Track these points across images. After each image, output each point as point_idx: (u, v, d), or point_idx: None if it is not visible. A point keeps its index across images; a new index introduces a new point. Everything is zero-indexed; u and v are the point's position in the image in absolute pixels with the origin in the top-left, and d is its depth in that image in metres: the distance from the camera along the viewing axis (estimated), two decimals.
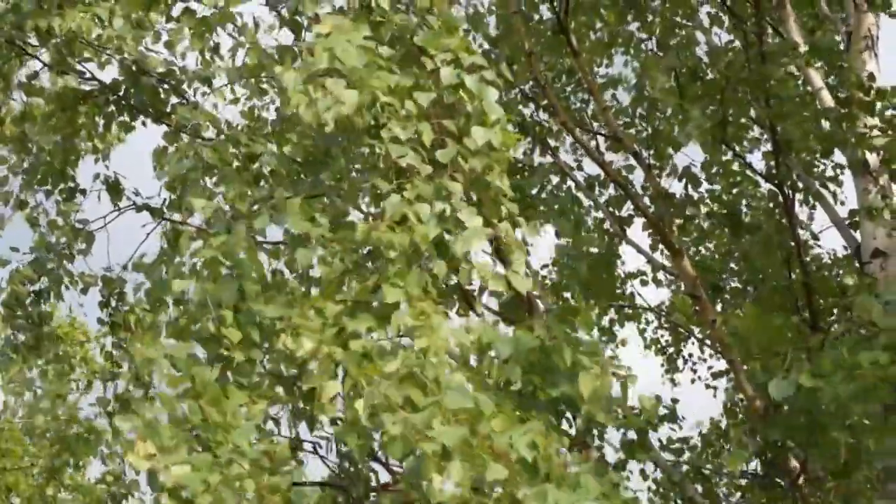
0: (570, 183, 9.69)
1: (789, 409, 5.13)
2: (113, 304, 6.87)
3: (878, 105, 8.69)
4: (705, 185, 9.51)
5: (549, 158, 9.83)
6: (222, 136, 6.98)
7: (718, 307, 9.94)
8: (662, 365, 11.56)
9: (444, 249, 4.71)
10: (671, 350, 11.35)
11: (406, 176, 4.78)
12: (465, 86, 4.90)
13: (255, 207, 5.16)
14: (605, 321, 10.12)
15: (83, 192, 7.42)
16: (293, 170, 5.55)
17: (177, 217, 6.70)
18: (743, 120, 8.68)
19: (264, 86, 6.79)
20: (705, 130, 7.37)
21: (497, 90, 4.95)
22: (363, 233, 4.62)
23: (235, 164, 5.68)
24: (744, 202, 9.57)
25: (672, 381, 11.51)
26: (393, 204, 4.71)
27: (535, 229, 5.00)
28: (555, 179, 9.72)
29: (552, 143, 9.88)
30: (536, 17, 9.36)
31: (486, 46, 9.07)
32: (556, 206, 8.03)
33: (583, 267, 8.61)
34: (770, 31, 9.25)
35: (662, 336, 11.27)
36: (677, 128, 7.63)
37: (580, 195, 9.61)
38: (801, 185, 9.03)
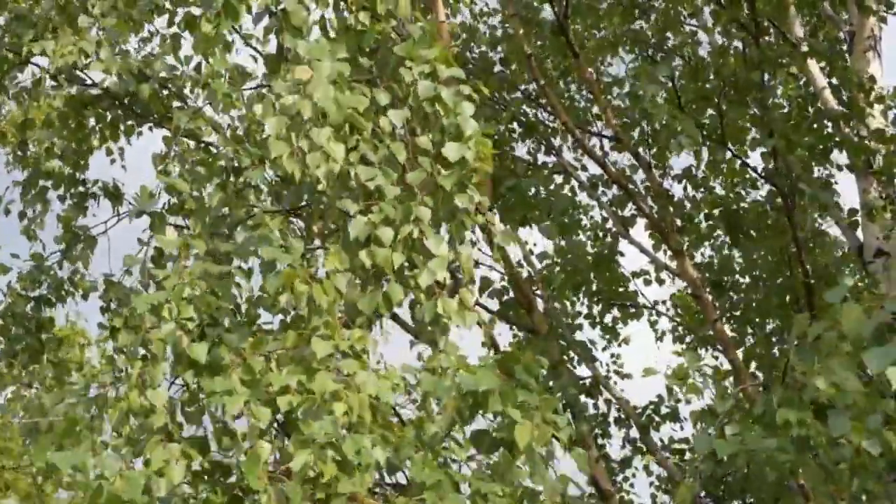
0: (573, 183, 9.72)
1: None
2: (113, 307, 6.91)
3: (881, 107, 8.70)
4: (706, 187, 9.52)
5: (553, 158, 9.88)
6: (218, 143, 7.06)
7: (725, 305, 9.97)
8: (679, 353, 11.46)
9: (403, 275, 4.73)
10: (689, 339, 11.24)
11: (375, 197, 4.80)
12: (441, 99, 4.91)
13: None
14: (609, 319, 10.11)
15: (94, 196, 7.48)
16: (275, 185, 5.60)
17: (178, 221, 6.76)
18: (741, 122, 8.66)
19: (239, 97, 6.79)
20: (696, 141, 7.35)
21: (473, 104, 4.96)
22: (283, 282, 4.63)
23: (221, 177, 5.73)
24: (744, 203, 9.56)
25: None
26: (357, 226, 4.75)
27: (509, 237, 4.96)
28: (558, 179, 9.75)
29: (556, 142, 9.92)
30: (539, 17, 9.36)
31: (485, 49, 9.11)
32: (550, 209, 8.04)
33: (560, 276, 8.64)
34: (772, 31, 9.25)
35: (679, 326, 11.16)
36: (670, 135, 7.59)
37: (583, 195, 9.67)
38: (802, 185, 9.01)
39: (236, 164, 5.62)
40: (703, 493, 5.02)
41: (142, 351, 5.43)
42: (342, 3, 5.33)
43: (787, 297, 9.18)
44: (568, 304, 9.69)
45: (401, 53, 5.14)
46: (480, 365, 4.36)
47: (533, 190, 8.09)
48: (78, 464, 4.67)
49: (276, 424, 4.78)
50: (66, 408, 6.16)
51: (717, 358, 10.21)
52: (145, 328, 4.91)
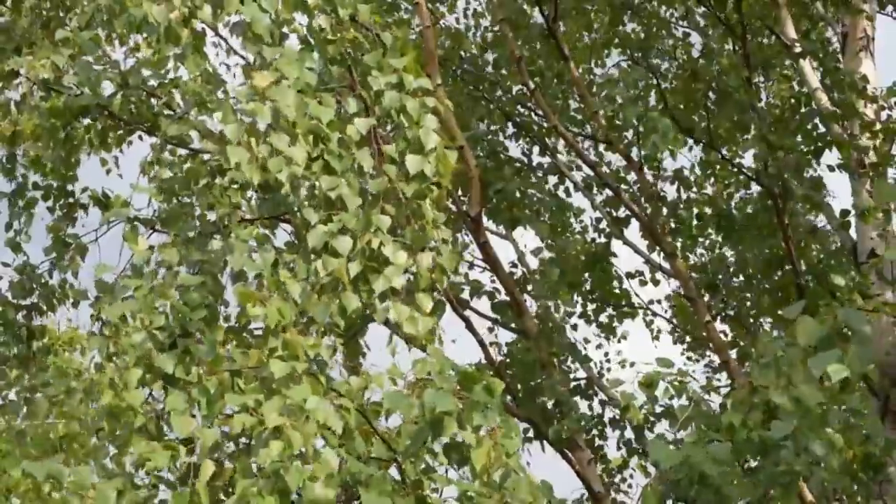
0: (567, 184, 9.74)
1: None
2: (103, 316, 6.96)
3: (874, 107, 8.68)
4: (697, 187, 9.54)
5: (548, 158, 9.90)
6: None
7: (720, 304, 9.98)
8: (683, 353, 11.44)
9: (362, 283, 4.77)
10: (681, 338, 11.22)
11: (337, 207, 4.85)
12: (406, 110, 4.94)
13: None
14: (604, 318, 10.13)
15: (84, 206, 7.54)
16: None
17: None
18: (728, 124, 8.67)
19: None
20: (670, 139, 7.34)
21: (437, 117, 4.99)
22: (240, 298, 4.69)
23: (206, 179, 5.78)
24: (735, 203, 9.57)
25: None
26: (315, 236, 4.81)
27: (454, 259, 4.98)
28: (553, 180, 9.78)
29: (551, 142, 9.93)
30: (528, 21, 9.40)
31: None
32: (539, 211, 8.09)
33: (554, 274, 8.66)
34: (766, 32, 9.25)
35: (675, 327, 11.15)
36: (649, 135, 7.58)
37: (576, 196, 9.70)
38: (794, 185, 9.00)
39: (223, 165, 5.66)
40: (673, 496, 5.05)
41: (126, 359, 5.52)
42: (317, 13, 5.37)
43: (780, 297, 9.18)
44: (561, 304, 9.71)
45: (369, 63, 5.18)
46: (438, 387, 4.35)
47: (519, 192, 8.15)
48: (53, 473, 4.80)
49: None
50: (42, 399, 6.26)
51: (697, 361, 10.28)
52: (115, 336, 4.97)
